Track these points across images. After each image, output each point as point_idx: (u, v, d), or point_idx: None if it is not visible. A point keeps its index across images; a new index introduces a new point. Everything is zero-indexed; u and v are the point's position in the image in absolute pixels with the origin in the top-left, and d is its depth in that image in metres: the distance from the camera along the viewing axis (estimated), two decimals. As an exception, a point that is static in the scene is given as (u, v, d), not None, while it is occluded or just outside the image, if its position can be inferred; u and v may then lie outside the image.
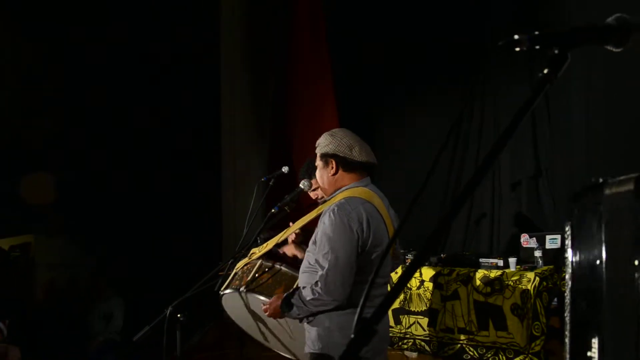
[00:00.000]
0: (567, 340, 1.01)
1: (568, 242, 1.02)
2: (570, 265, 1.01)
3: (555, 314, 6.03)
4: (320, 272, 2.71)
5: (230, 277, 3.17)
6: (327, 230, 2.73)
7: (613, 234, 0.92)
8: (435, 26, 7.48)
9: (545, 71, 0.94)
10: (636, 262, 0.83)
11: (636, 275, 0.83)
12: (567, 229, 1.03)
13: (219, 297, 3.23)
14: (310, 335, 2.86)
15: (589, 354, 0.92)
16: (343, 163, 2.88)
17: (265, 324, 3.26)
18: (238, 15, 7.72)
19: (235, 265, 3.23)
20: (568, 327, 1.00)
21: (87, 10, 6.03)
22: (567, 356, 1.00)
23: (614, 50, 0.98)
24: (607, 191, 0.95)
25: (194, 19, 7.03)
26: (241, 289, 3.04)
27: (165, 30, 6.70)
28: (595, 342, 0.92)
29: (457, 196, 0.82)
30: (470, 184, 0.85)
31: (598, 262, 0.93)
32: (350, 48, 7.89)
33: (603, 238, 0.93)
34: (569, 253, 1.02)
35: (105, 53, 6.18)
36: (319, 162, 2.95)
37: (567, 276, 1.02)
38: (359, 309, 0.82)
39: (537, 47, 0.96)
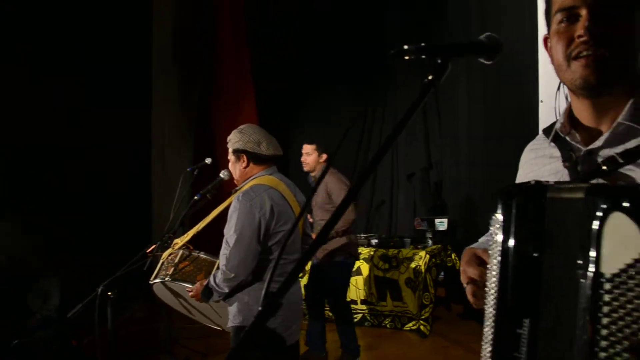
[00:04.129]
0: (490, 319, 1.00)
1: (498, 232, 1.01)
2: (500, 254, 0.99)
3: (441, 285, 6.26)
4: (226, 253, 2.72)
5: (157, 268, 3.11)
6: (233, 214, 2.72)
7: (556, 234, 0.94)
8: (347, 30, 7.56)
9: (430, 77, 0.96)
10: (579, 262, 0.85)
11: (578, 272, 0.85)
12: (497, 219, 1.02)
13: (149, 287, 3.16)
14: (231, 311, 2.83)
15: (518, 331, 0.94)
16: (253, 157, 2.89)
17: (192, 305, 3.22)
18: (168, 17, 7.51)
19: (161, 247, 3.16)
20: (494, 307, 0.99)
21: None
22: (492, 331, 0.99)
23: (486, 62, 1.02)
24: (552, 195, 0.96)
25: (126, 19, 6.75)
26: (166, 279, 2.99)
27: (99, 30, 6.42)
28: (526, 321, 0.94)
29: (351, 186, 0.83)
30: (363, 175, 0.85)
31: (536, 254, 0.95)
32: (269, 51, 7.83)
33: (544, 236, 0.95)
34: (499, 242, 1.00)
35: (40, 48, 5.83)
36: (231, 157, 2.94)
37: (495, 263, 1.01)
38: (265, 285, 0.81)
39: (423, 56, 0.98)
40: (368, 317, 5.81)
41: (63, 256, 5.94)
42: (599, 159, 1.11)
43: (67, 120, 6.10)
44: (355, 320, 5.84)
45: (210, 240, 3.28)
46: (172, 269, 3.00)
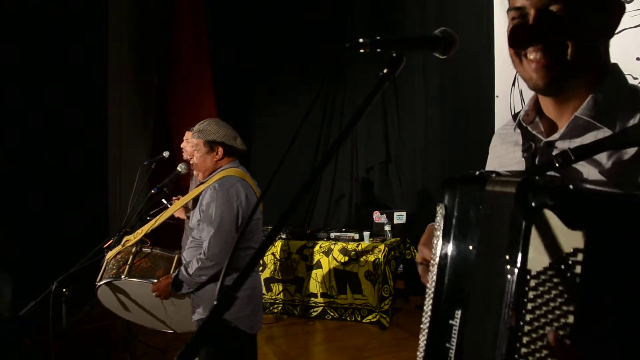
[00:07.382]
0: (428, 308, 1.01)
1: (440, 222, 1.00)
2: (439, 246, 0.99)
3: (400, 278, 6.33)
4: (204, 241, 2.71)
5: (102, 269, 3.01)
6: (211, 203, 2.73)
7: (490, 227, 0.93)
8: (302, 29, 7.60)
9: (385, 71, 0.96)
10: (507, 257, 0.85)
11: (506, 267, 0.85)
12: (440, 210, 1.01)
13: (95, 289, 3.03)
14: (201, 304, 2.80)
15: (450, 322, 0.96)
16: (228, 150, 2.91)
17: (143, 307, 3.14)
18: (125, 11, 7.40)
19: (118, 242, 3.07)
20: (432, 297, 1.00)
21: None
22: (428, 321, 1.00)
23: (440, 57, 1.02)
24: (489, 187, 0.95)
25: (83, 15, 6.61)
26: (122, 276, 2.88)
27: (56, 27, 6.26)
28: (458, 313, 0.95)
29: (306, 180, 0.82)
30: (317, 169, 0.85)
31: (470, 247, 0.95)
32: (228, 48, 7.82)
33: (480, 228, 0.94)
34: (439, 234, 1.00)
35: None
36: (202, 147, 2.90)
37: (436, 255, 1.00)
38: (221, 278, 0.80)
39: (379, 50, 0.97)
40: (328, 311, 5.84)
41: (15, 252, 5.78)
42: (555, 152, 1.10)
43: (23, 115, 5.96)
44: (316, 313, 5.86)
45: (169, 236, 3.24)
46: (127, 266, 2.93)
